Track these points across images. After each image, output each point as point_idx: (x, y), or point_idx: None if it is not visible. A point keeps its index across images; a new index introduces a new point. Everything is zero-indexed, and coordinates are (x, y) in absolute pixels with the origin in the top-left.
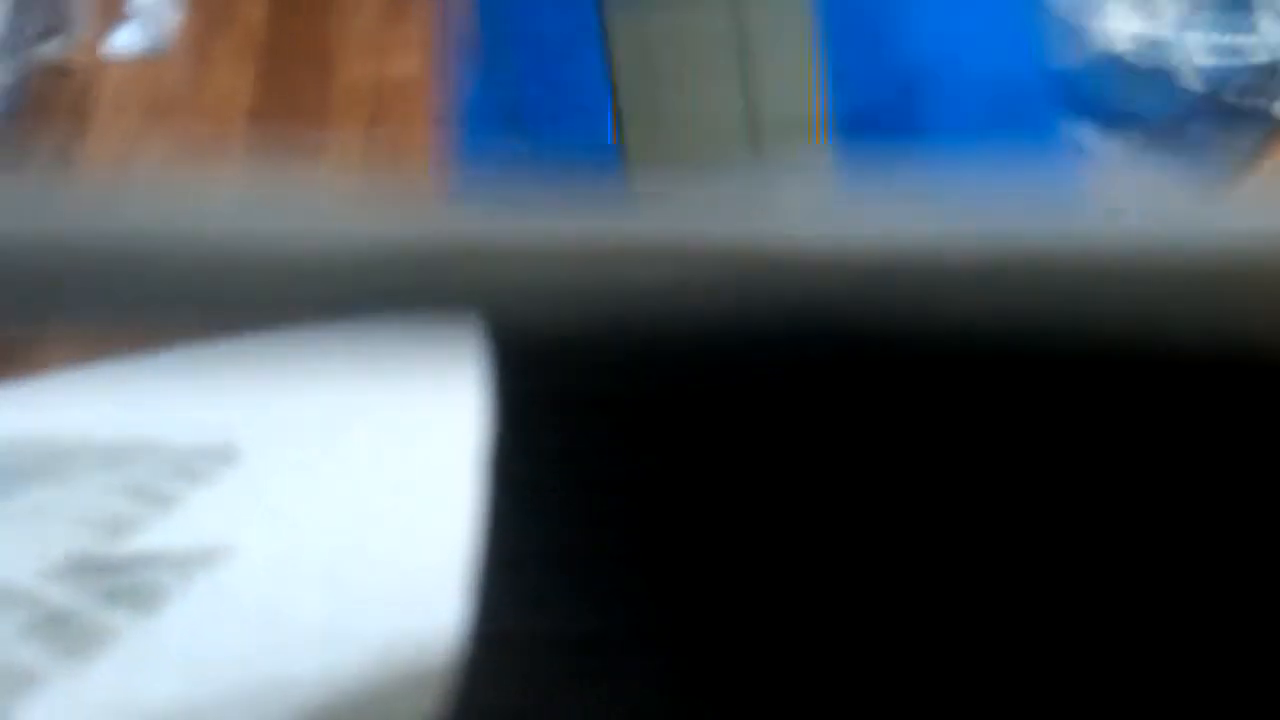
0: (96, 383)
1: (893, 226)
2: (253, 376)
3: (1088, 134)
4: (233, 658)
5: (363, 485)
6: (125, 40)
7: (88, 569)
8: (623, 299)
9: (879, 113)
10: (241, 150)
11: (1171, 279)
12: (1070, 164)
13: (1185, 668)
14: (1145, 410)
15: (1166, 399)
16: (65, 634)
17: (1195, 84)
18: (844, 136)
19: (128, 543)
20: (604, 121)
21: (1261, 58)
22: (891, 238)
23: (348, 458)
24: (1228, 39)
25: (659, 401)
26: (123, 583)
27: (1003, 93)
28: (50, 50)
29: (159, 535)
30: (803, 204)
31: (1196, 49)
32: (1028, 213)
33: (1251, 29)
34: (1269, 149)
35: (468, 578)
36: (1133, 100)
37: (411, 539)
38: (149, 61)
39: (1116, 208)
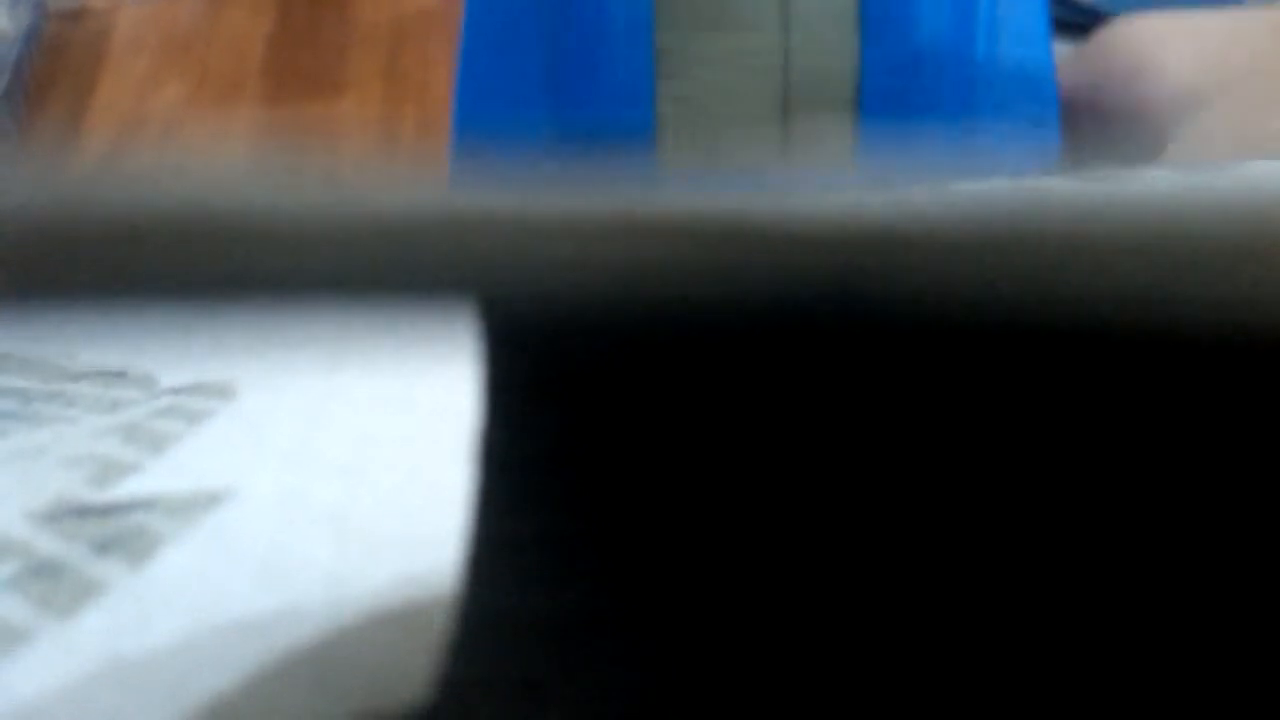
0: (88, 322)
1: (900, 203)
2: (249, 325)
3: None
4: (234, 597)
5: (367, 424)
6: None
7: (79, 515)
8: (617, 278)
9: (901, 88)
10: (259, 90)
11: (1181, 252)
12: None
13: (1185, 660)
14: (1150, 391)
15: (1173, 380)
16: (55, 586)
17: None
18: (868, 108)
19: (121, 487)
20: (636, 86)
21: None
22: (898, 214)
23: (350, 396)
24: None
25: (654, 382)
26: (115, 529)
27: (1018, 79)
28: None
29: (154, 479)
30: (813, 180)
31: None
32: (1035, 187)
33: None
34: None
35: (459, 554)
36: None
37: (418, 479)
38: (165, 2)
39: (1125, 177)
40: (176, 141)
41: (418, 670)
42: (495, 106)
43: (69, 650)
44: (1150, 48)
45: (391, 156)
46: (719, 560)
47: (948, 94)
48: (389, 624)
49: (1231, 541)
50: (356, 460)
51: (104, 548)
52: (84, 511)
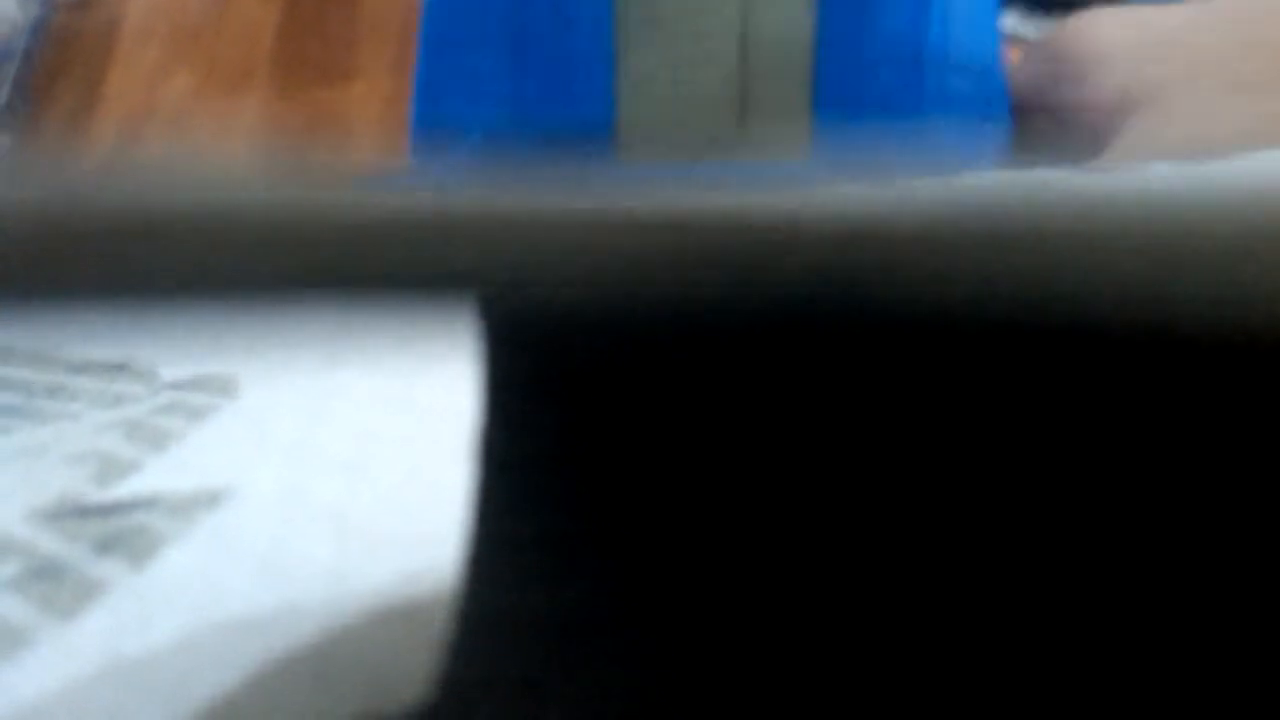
0: (91, 315)
1: (898, 200)
2: (251, 320)
3: None
4: (235, 596)
5: (368, 421)
6: None
7: (80, 514)
8: (617, 277)
9: (856, 81)
10: (268, 78)
11: (1180, 249)
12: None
13: (1186, 663)
14: (1149, 388)
15: (1171, 377)
16: (56, 587)
17: None
18: (830, 108)
19: (123, 485)
20: (599, 86)
21: None
22: (897, 212)
23: (350, 394)
24: None
25: (654, 381)
26: (117, 529)
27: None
28: None
29: (156, 477)
30: (792, 176)
31: None
32: (1031, 183)
33: None
34: None
35: (459, 553)
36: None
37: (418, 477)
38: None
39: (1123, 172)
40: (186, 131)
41: (418, 669)
42: (454, 103)
43: (70, 651)
44: (1098, 46)
45: (397, 149)
46: (719, 559)
47: (901, 87)
48: (389, 622)
49: (1231, 539)
50: (357, 457)
51: (105, 547)
52: (85, 511)
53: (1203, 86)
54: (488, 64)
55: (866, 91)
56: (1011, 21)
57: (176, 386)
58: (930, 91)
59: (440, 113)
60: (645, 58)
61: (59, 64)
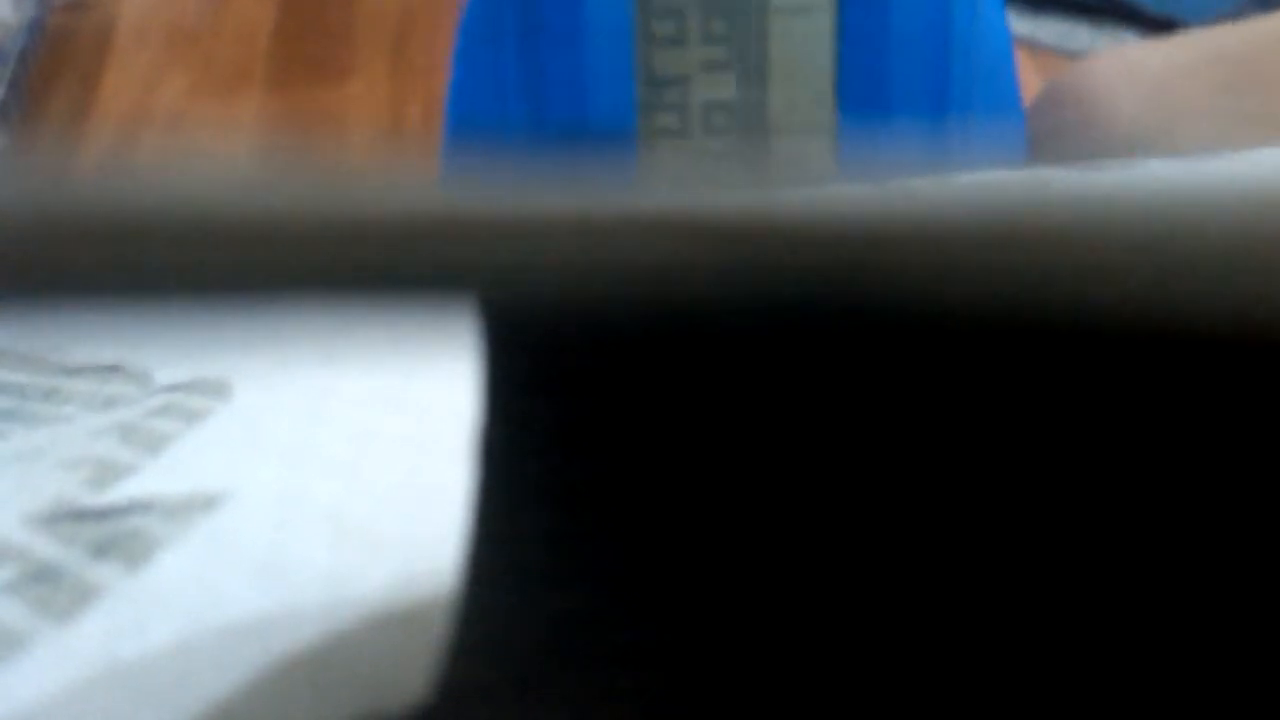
0: (85, 317)
1: (899, 199)
2: (246, 322)
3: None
4: (232, 600)
5: (366, 421)
6: None
7: (76, 518)
8: (617, 277)
9: (877, 81)
10: (265, 78)
11: (1175, 248)
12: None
13: (1185, 659)
14: (1145, 391)
15: (1169, 379)
16: (53, 590)
17: None
18: (852, 106)
19: (118, 489)
20: (619, 85)
21: None
22: (894, 210)
23: (348, 394)
24: None
25: (653, 380)
26: (112, 532)
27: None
28: None
29: (151, 480)
30: (802, 175)
31: None
32: (1033, 183)
33: None
34: None
35: (459, 553)
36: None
37: (416, 479)
38: None
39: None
40: (182, 132)
41: (417, 671)
42: (481, 110)
43: (67, 654)
44: (1098, 96)
45: (396, 149)
46: (719, 559)
47: (921, 89)
48: (388, 625)
49: (1231, 538)
50: (355, 458)
51: (101, 551)
52: (81, 515)
53: (1203, 125)
54: (510, 67)
55: (887, 93)
56: (1010, 20)
57: (172, 389)
58: (949, 94)
59: (472, 114)
60: (664, 59)
61: (55, 65)
